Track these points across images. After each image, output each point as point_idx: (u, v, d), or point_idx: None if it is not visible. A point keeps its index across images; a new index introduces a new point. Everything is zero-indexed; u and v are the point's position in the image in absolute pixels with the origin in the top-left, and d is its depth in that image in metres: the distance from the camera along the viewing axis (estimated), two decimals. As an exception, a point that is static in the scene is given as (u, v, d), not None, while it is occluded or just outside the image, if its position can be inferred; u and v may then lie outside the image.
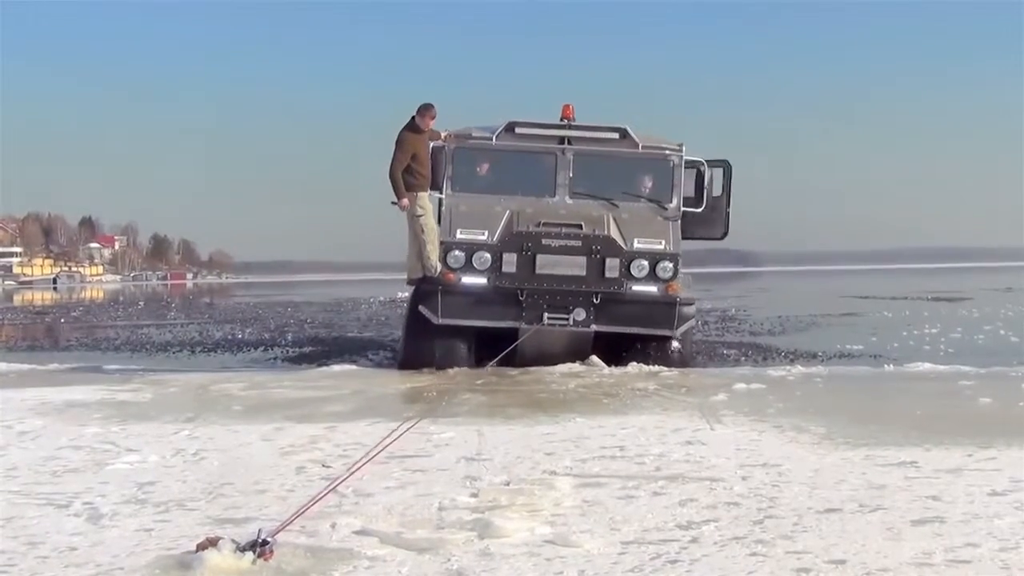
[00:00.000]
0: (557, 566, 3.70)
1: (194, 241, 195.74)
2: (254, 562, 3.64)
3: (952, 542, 3.93)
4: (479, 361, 10.46)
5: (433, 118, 10.51)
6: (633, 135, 10.77)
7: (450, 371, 10.18)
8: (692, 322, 10.93)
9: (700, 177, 10.95)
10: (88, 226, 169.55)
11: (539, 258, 10.21)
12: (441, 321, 10.24)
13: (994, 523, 4.21)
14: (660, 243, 10.40)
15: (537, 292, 10.21)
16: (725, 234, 11.36)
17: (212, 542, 3.72)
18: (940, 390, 8.84)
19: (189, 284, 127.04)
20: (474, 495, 4.76)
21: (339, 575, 3.62)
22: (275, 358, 13.70)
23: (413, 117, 10.45)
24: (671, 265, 10.32)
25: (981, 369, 10.29)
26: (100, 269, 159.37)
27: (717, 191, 11.20)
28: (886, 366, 11.07)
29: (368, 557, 3.80)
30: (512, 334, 10.31)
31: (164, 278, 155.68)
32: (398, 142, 10.38)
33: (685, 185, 10.88)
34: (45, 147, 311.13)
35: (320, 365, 12.08)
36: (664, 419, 7.16)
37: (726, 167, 11.22)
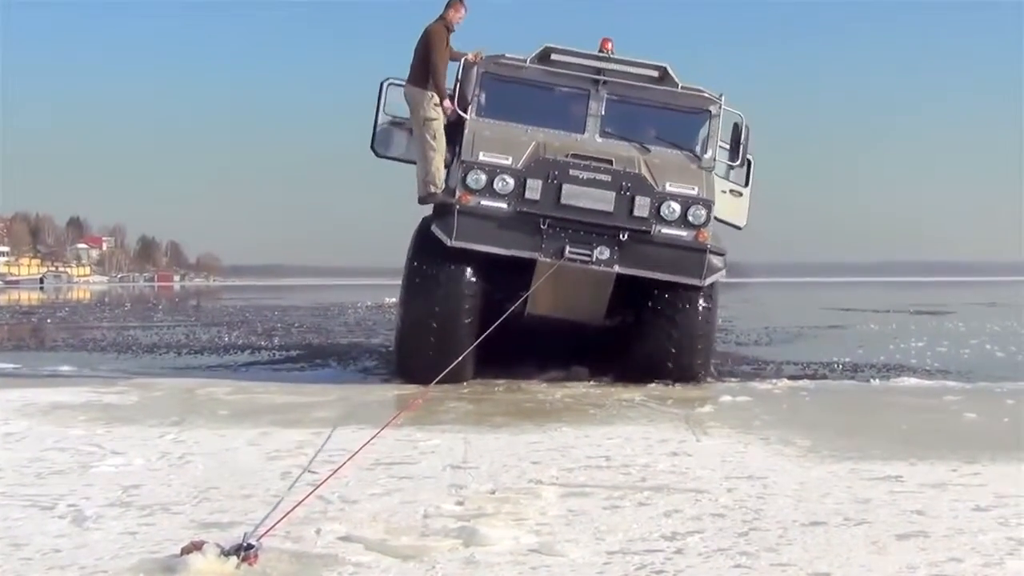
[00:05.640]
0: (542, 575, 3.70)
1: (182, 243, 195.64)
2: (238, 566, 3.64)
3: (936, 556, 3.95)
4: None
5: (464, 13, 9.88)
6: (673, 75, 10.19)
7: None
8: (721, 274, 10.17)
9: (737, 132, 10.43)
10: (76, 226, 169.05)
11: (565, 187, 9.58)
12: (455, 243, 9.57)
13: (978, 538, 4.23)
14: (693, 188, 9.83)
15: (560, 223, 9.62)
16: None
17: (197, 546, 3.71)
18: (926, 405, 8.87)
19: (176, 286, 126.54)
20: (460, 503, 4.76)
21: (324, 581, 3.61)
22: (262, 362, 13.65)
23: (443, 14, 9.81)
24: (704, 212, 9.74)
25: (967, 384, 10.35)
26: (87, 270, 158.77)
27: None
28: (872, 380, 11.10)
29: (352, 563, 3.80)
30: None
31: (151, 280, 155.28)
32: (435, 38, 9.67)
33: (721, 138, 10.36)
34: (33, 147, 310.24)
35: (307, 370, 12.08)
36: (650, 430, 7.17)
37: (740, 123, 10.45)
